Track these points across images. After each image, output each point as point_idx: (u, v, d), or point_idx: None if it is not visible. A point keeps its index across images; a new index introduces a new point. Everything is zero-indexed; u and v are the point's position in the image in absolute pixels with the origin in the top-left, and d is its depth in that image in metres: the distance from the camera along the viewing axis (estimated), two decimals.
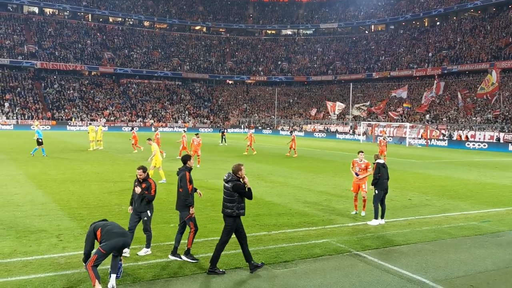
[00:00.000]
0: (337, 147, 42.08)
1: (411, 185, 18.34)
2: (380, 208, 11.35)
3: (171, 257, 8.10)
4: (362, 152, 12.76)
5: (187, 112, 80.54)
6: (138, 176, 8.36)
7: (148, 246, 8.35)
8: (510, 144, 42.79)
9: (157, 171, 17.34)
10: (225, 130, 44.56)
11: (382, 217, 11.36)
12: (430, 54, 72.84)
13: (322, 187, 17.10)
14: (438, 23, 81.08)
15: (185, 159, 8.55)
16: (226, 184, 7.64)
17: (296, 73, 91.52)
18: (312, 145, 44.53)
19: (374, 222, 11.22)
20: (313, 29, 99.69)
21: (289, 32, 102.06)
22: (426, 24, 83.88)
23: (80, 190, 14.87)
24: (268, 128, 75.15)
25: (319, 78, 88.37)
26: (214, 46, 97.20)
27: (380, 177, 11.35)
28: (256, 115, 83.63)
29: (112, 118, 72.26)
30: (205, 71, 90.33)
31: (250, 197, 7.58)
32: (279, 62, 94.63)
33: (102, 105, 75.34)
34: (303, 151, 36.21)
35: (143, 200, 8.26)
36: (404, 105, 59.46)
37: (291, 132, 37.91)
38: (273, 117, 79.75)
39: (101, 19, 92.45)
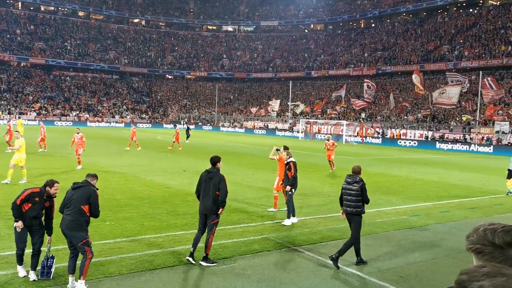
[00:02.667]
0: (277, 144, 42.55)
1: None
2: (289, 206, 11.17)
3: (202, 264, 7.76)
4: (286, 148, 12.63)
5: (124, 107, 78.46)
6: (54, 191, 7.02)
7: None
8: (437, 142, 45.27)
9: (20, 170, 15.10)
10: (190, 127, 43.91)
11: (293, 215, 11.09)
12: (366, 55, 75.45)
13: (262, 183, 17.26)
14: (373, 25, 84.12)
15: (215, 160, 8.32)
16: (351, 186, 8.25)
17: (237, 70, 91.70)
18: (252, 141, 44.82)
19: (289, 222, 10.90)
20: (254, 26, 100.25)
21: (230, 28, 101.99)
22: (362, 26, 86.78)
23: (9, 188, 14.08)
24: (209, 124, 74.79)
25: (260, 75, 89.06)
26: (154, 40, 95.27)
27: (296, 176, 11.10)
28: (196, 111, 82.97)
29: (43, 112, 69.00)
30: (144, 65, 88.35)
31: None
32: (220, 59, 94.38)
33: (32, 98, 71.72)
34: (244, 147, 36.40)
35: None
36: (340, 105, 61.19)
37: (174, 125, 37.78)
38: (214, 113, 79.49)
39: (32, 8, 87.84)
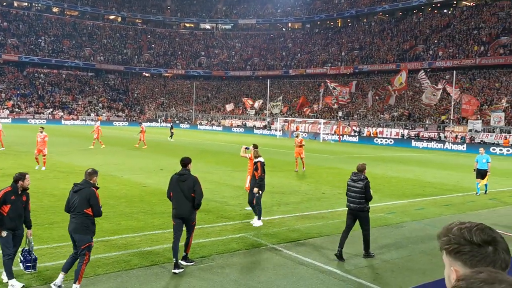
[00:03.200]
0: (255, 142, 42.62)
1: (325, 179, 19.08)
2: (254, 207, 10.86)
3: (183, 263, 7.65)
4: (255, 146, 12.57)
5: (100, 104, 77.35)
6: (27, 183, 6.81)
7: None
8: (413, 140, 45.99)
9: None
10: (173, 126, 43.68)
11: (259, 217, 10.69)
12: (343, 54, 76.09)
13: (240, 182, 17.24)
14: (350, 24, 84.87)
15: (186, 162, 7.85)
16: (356, 184, 8.68)
17: (215, 68, 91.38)
18: (230, 139, 44.74)
19: (259, 223, 10.60)
20: (232, 24, 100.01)
21: (207, 26, 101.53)
22: (339, 25, 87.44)
23: None
24: (186, 123, 74.35)
25: (238, 73, 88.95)
26: (130, 37, 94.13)
27: (264, 177, 10.72)
28: (173, 109, 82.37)
29: (16, 110, 67.50)
30: (120, 63, 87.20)
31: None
32: (198, 56, 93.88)
33: (5, 96, 70.09)
34: (222, 146, 36.30)
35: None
36: (315, 105, 61.55)
37: (140, 123, 37.60)
38: (191, 111, 79.05)
39: (4, 3, 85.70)
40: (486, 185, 16.74)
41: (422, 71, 51.12)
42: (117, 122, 71.05)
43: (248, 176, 12.51)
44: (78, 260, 6.48)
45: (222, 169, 20.77)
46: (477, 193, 16.66)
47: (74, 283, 6.38)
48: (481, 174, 16.59)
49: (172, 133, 40.60)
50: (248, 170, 12.70)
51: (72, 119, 68.99)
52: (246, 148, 13.04)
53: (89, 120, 69.77)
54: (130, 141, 36.82)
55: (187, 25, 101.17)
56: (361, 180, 8.64)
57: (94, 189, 6.61)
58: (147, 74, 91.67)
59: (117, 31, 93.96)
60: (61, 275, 6.44)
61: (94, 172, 6.82)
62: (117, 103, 79.89)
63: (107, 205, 12.01)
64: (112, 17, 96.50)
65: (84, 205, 6.43)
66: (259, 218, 10.63)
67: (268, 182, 17.53)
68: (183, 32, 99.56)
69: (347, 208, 8.90)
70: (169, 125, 46.11)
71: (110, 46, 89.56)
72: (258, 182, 10.56)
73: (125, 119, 74.71)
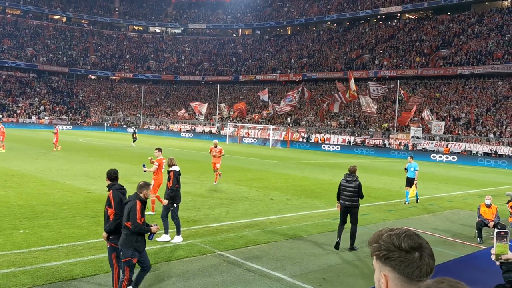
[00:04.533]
0: (204, 148, 42.39)
1: (273, 185, 19.21)
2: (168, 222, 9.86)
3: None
4: (159, 150, 12.58)
5: (42, 107, 74.32)
6: None
7: None
8: (359, 147, 47.29)
9: None
10: (136, 131, 42.49)
11: (179, 233, 9.72)
12: (292, 61, 77.23)
13: (188, 188, 17.04)
14: (299, 32, 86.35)
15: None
16: (350, 184, 9.73)
17: (164, 72, 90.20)
18: (179, 145, 44.23)
19: (178, 238, 9.65)
20: (182, 28, 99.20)
21: (157, 29, 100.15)
22: (289, 32, 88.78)
23: None
24: (134, 127, 72.77)
25: (187, 78, 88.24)
26: (76, 39, 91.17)
27: (177, 188, 9.87)
28: (120, 113, 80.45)
29: None
30: (64, 64, 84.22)
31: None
32: (146, 60, 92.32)
33: None
34: (170, 151, 35.77)
35: None
36: (265, 112, 62.11)
37: (55, 125, 36.76)
38: (139, 115, 77.51)
39: None
40: (417, 193, 16.52)
41: (373, 80, 52.84)
42: (60, 125, 68.42)
43: (153, 181, 12.28)
44: (120, 273, 6.28)
45: None
46: (406, 201, 16.26)
47: None
48: (410, 182, 16.32)
49: (135, 138, 39.83)
50: (153, 178, 12.44)
51: (12, 122, 65.89)
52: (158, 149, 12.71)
53: (30, 123, 66.87)
54: (74, 146, 35.62)
55: (136, 28, 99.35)
56: (354, 181, 9.81)
57: (138, 201, 6.36)
58: (93, 77, 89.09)
59: (61, 31, 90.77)
60: None
61: (145, 185, 6.60)
62: (60, 106, 77.03)
63: (48, 212, 11.52)
64: (56, 17, 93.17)
65: (126, 218, 6.28)
66: (178, 233, 9.64)
67: (217, 188, 17.51)
68: (132, 35, 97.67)
69: (339, 207, 10.02)
70: (131, 130, 45.10)
71: (54, 47, 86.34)
72: (168, 193, 9.69)
73: (69, 122, 72.17)
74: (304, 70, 72.60)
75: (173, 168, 10.04)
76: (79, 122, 72.96)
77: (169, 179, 9.87)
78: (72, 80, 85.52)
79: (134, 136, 40.11)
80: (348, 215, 9.83)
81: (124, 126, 73.37)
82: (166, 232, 9.69)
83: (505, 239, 2.53)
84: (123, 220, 6.31)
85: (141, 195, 6.49)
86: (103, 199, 13.64)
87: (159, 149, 12.72)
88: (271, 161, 31.55)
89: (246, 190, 17.42)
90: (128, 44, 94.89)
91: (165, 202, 9.72)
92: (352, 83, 51.00)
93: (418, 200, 16.70)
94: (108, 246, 6.69)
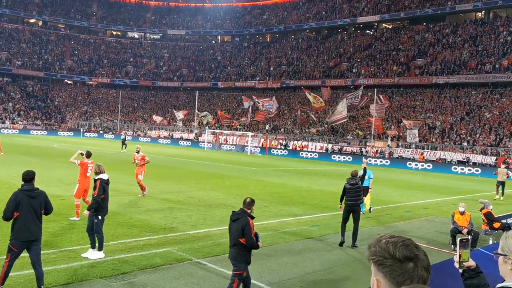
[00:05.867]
0: (182, 154, 42.14)
1: (251, 192, 19.17)
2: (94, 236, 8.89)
3: None
4: (88, 155, 12.37)
5: (16, 112, 72.81)
6: None
7: None
8: (336, 155, 47.67)
9: None
10: (126, 137, 42.27)
11: (101, 248, 8.76)
12: (271, 68, 77.56)
13: (165, 195, 16.90)
14: (278, 39, 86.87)
15: (32, 176, 7.14)
16: (354, 186, 11.08)
17: (142, 78, 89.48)
18: (156, 151, 43.83)
19: (98, 254, 8.68)
20: (161, 34, 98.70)
21: (135, 35, 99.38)
22: (268, 40, 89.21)
23: None
24: (110, 133, 71.90)
25: (166, 84, 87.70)
26: (52, 43, 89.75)
27: (104, 199, 8.93)
28: (97, 118, 79.37)
29: None
30: (40, 69, 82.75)
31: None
32: (124, 65, 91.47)
33: None
34: (148, 157, 35.40)
35: None
36: (242, 118, 62.19)
37: None
38: (116, 121, 76.61)
39: None
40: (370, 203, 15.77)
41: (351, 88, 53.41)
42: (34, 131, 67.22)
43: (77, 184, 12.10)
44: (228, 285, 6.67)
45: (147, 182, 20.22)
46: (361, 211, 14.98)
47: None
48: (364, 191, 14.81)
49: (125, 145, 39.75)
50: (78, 178, 12.24)
51: None
52: (81, 153, 12.49)
53: (3, 128, 65.42)
54: (48, 151, 35.01)
55: (114, 32, 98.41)
56: (356, 183, 11.23)
57: (249, 218, 6.70)
58: (69, 82, 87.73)
59: (37, 35, 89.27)
60: None
61: (252, 202, 6.94)
62: (35, 111, 75.61)
63: None
64: (32, 20, 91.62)
65: (239, 234, 6.58)
66: (99, 249, 8.68)
67: (195, 195, 17.38)
68: (110, 40, 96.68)
69: (342, 208, 11.23)
70: (121, 137, 44.94)
71: (30, 51, 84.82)
72: (92, 203, 8.82)
73: (44, 127, 70.84)
74: (283, 78, 72.97)
75: (101, 176, 9.10)
76: (54, 128, 71.69)
77: (94, 187, 8.97)
78: (47, 85, 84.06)
79: (125, 142, 40.16)
80: (351, 214, 11.00)
81: (101, 131, 72.37)
82: (92, 247, 8.78)
83: (467, 247, 2.60)
84: (236, 239, 6.60)
85: (249, 211, 6.86)
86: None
87: (86, 154, 12.32)
88: (249, 168, 31.53)
89: (224, 197, 17.35)
90: (106, 49, 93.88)
91: (86, 213, 8.82)
92: (325, 93, 51.54)
93: (371, 210, 15.96)
94: None
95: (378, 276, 1.66)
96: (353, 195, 11.06)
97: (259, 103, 57.26)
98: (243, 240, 6.54)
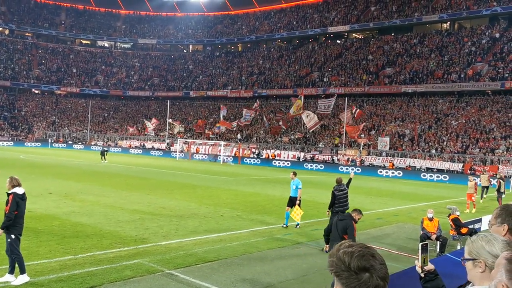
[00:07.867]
0: (153, 164, 41.65)
1: (224, 201, 19.09)
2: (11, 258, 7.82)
3: None
4: None
5: None
6: None
7: None
8: (308, 163, 48.01)
9: None
10: (107, 149, 42.84)
11: (23, 271, 7.78)
12: (243, 78, 77.75)
13: (136, 206, 16.65)
14: (250, 49, 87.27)
15: None
16: (343, 192, 12.20)
17: (112, 87, 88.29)
18: (127, 161, 43.23)
19: (21, 279, 7.70)
20: (131, 43, 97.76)
21: (105, 44, 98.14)
22: (240, 49, 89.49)
23: None
24: (80, 143, 70.57)
25: (137, 93, 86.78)
26: (18, 51, 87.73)
27: (18, 215, 7.92)
28: (66, 128, 77.80)
29: None
30: (6, 78, 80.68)
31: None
32: (94, 75, 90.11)
33: None
34: (118, 167, 34.91)
35: None
36: (217, 124, 62.08)
37: None
38: (86, 131, 75.27)
39: None
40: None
41: (322, 97, 54.01)
42: (0, 142, 65.33)
43: None
44: None
45: (117, 192, 19.90)
46: (284, 224, 13.94)
47: None
48: (292, 201, 14.25)
49: (104, 156, 40.09)
50: None
51: None
52: None
53: None
54: (14, 163, 34.10)
55: (83, 41, 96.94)
56: (344, 188, 12.14)
57: (353, 222, 8.46)
58: (37, 91, 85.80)
59: (3, 44, 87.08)
60: None
61: (360, 213, 8.86)
62: (1, 122, 73.57)
63: None
64: None
65: (343, 231, 8.30)
66: (22, 272, 7.72)
67: (166, 205, 17.18)
68: (79, 49, 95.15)
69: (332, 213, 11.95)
70: (99, 148, 44.89)
71: None
72: (4, 221, 7.72)
73: (10, 138, 68.97)
74: (255, 87, 73.25)
75: (14, 190, 8.12)
76: (21, 138, 69.89)
77: (7, 203, 7.90)
78: (14, 95, 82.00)
79: (104, 154, 39.99)
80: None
81: (70, 142, 70.98)
82: (23, 271, 7.75)
83: (427, 251, 2.76)
84: (340, 234, 8.30)
85: (355, 217, 8.61)
86: (45, 218, 13.11)
87: None
88: (222, 177, 31.41)
89: (196, 207, 17.21)
90: (75, 58, 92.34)
91: (0, 231, 7.74)
92: (302, 100, 52.02)
93: (298, 226, 14.25)
94: None
95: (338, 286, 1.73)
96: (343, 201, 11.90)
97: (247, 114, 57.51)
98: (346, 237, 8.07)
